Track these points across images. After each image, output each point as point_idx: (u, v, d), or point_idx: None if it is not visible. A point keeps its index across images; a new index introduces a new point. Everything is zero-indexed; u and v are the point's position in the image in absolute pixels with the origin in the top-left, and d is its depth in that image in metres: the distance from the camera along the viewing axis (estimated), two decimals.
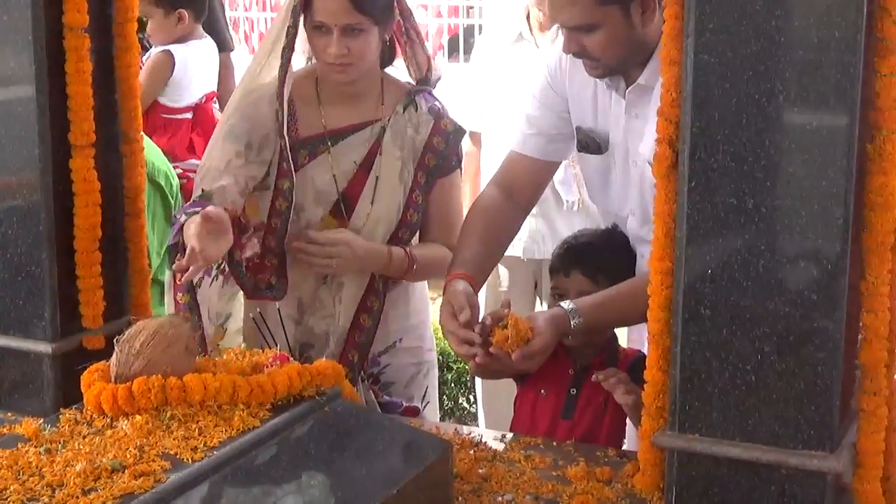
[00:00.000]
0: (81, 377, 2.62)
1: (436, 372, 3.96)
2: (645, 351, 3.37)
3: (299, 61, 3.62)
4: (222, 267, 3.56)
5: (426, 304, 3.87)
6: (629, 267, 3.38)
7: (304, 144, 3.57)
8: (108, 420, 2.50)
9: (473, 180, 5.21)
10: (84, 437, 2.44)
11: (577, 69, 3.33)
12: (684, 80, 2.37)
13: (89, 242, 3.03)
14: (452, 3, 15.02)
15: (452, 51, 13.98)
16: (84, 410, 2.55)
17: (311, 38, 3.48)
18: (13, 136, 2.98)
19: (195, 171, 4.78)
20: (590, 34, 3.09)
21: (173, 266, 3.11)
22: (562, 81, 3.39)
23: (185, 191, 4.60)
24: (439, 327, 3.30)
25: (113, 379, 2.57)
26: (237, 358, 2.77)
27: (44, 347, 3.00)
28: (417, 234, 3.70)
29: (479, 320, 3.13)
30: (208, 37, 5.26)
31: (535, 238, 4.87)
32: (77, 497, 2.19)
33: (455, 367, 6.12)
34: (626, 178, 3.29)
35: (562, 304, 3.17)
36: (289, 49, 3.47)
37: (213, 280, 3.59)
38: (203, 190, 3.43)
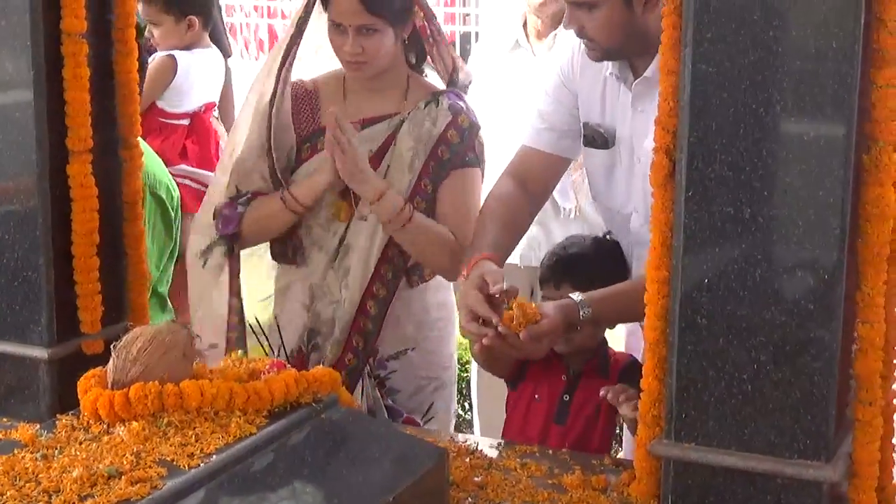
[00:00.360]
0: (78, 383, 2.63)
1: (451, 391, 3.95)
2: (640, 358, 3.40)
3: (308, 56, 3.77)
4: None
5: (449, 322, 3.86)
6: (621, 276, 3.38)
7: (319, 136, 3.69)
8: (105, 426, 2.50)
9: None
10: (80, 444, 2.44)
11: (587, 65, 3.36)
12: (682, 90, 2.38)
13: (87, 248, 3.03)
14: (449, 11, 15.03)
15: None
16: (81, 416, 2.56)
17: (330, 35, 3.61)
18: (10, 141, 2.98)
19: (185, 177, 4.82)
20: (590, 12, 3.12)
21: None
22: (573, 78, 3.43)
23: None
24: (464, 343, 3.33)
25: (110, 385, 2.57)
26: (234, 364, 2.77)
27: (40, 353, 3.00)
28: None
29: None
30: (214, 46, 5.26)
31: (533, 245, 4.87)
32: (73, 503, 2.19)
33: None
34: (631, 174, 3.30)
35: (571, 295, 3.17)
36: (297, 37, 3.65)
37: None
38: (237, 188, 3.69)
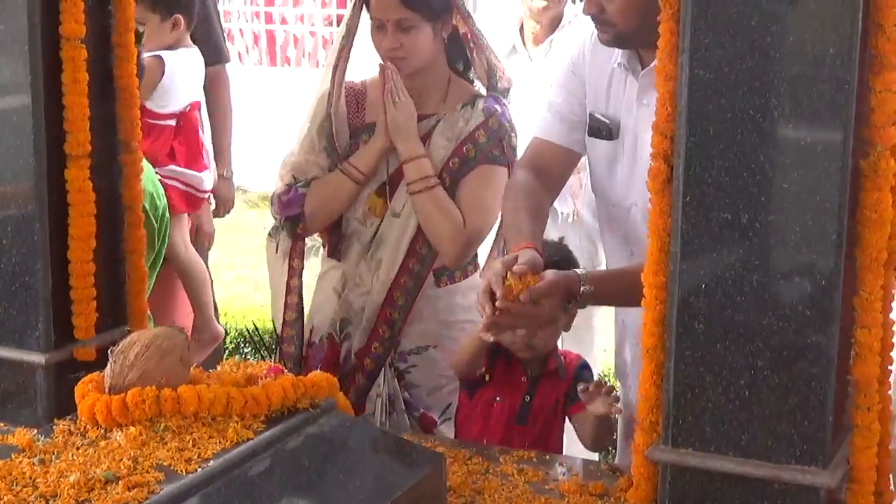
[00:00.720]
0: (75, 388, 2.63)
1: None
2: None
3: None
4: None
5: (475, 327, 3.86)
6: None
7: (367, 129, 3.92)
8: (102, 431, 2.50)
9: None
10: (78, 448, 2.44)
11: (596, 56, 3.37)
12: (679, 95, 2.37)
13: (83, 253, 3.02)
14: None
15: None
16: (78, 421, 2.56)
17: (372, 35, 3.80)
18: (8, 145, 2.98)
19: (174, 178, 4.82)
20: None
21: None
22: (582, 65, 3.43)
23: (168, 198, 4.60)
24: None
25: (107, 390, 2.57)
26: (232, 369, 2.77)
27: (37, 358, 2.99)
28: None
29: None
30: (195, 46, 5.25)
31: None
32: None
33: None
34: (633, 167, 3.28)
35: (575, 270, 3.16)
36: (348, 44, 3.87)
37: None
38: (294, 177, 3.93)
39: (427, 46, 3.76)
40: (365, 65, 4.00)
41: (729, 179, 2.34)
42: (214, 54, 5.91)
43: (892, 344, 2.48)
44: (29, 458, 2.43)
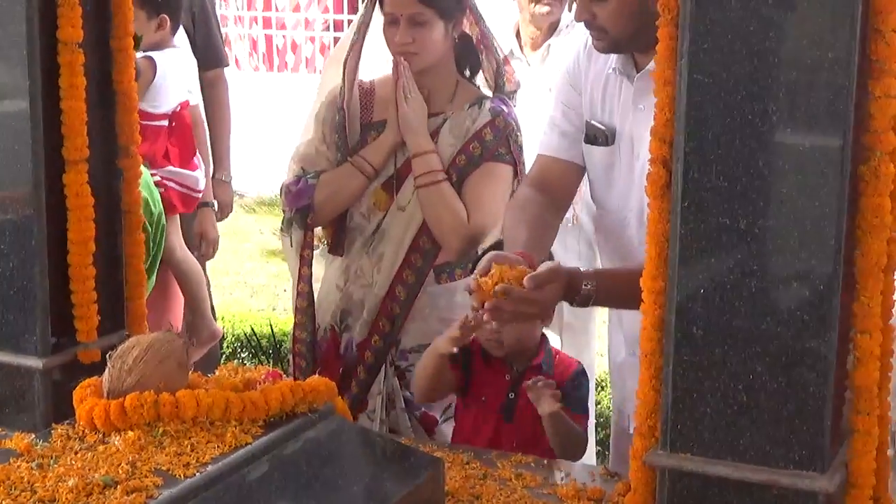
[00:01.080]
0: (74, 392, 2.63)
1: None
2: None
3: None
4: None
5: None
6: None
7: (375, 126, 3.97)
8: (101, 435, 2.50)
9: None
10: (76, 453, 2.44)
11: (592, 64, 3.38)
12: (678, 101, 2.37)
13: (83, 257, 3.02)
14: None
15: None
16: (76, 426, 2.56)
17: (384, 31, 3.85)
18: (6, 150, 2.98)
19: (170, 179, 4.83)
20: (602, 2, 3.11)
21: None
22: (578, 77, 3.43)
23: (163, 198, 4.60)
24: None
25: (105, 394, 2.57)
26: (230, 374, 2.77)
27: (34, 362, 2.99)
28: None
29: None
30: (180, 47, 5.25)
31: None
32: None
33: None
34: (630, 172, 3.29)
35: (578, 267, 3.15)
36: (359, 40, 3.93)
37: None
38: (303, 169, 4.00)
39: (438, 43, 3.81)
40: (372, 65, 4.06)
41: (727, 184, 2.34)
42: (213, 58, 5.92)
43: (892, 350, 2.48)
44: (27, 462, 2.42)
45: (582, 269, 3.10)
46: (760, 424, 2.39)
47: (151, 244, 4.19)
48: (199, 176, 5.15)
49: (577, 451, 3.40)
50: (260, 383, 2.68)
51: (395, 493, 2.52)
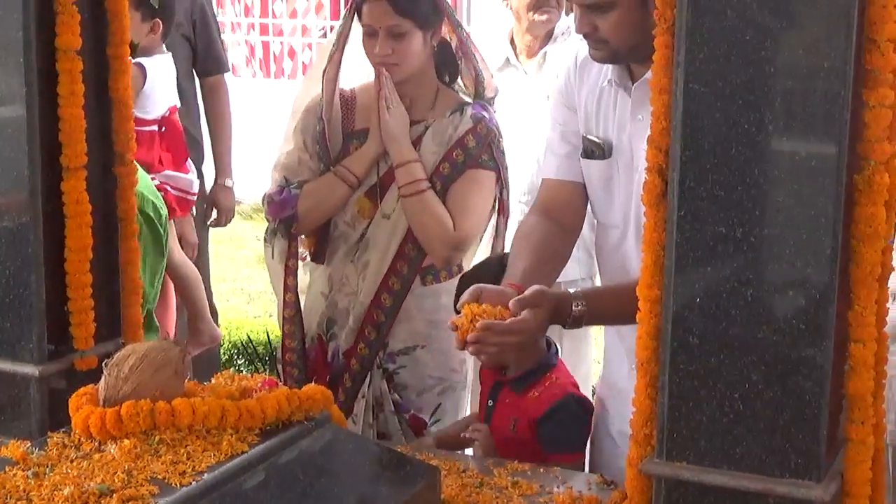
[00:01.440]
0: (70, 400, 2.62)
1: (461, 395, 4.09)
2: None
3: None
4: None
5: None
6: None
7: (357, 135, 3.98)
8: (97, 444, 2.50)
9: None
10: (72, 461, 2.43)
11: (584, 79, 3.37)
12: (674, 109, 2.37)
13: (80, 264, 3.02)
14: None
15: None
16: (72, 434, 2.55)
17: (364, 43, 3.87)
18: (3, 157, 2.98)
19: (167, 183, 4.85)
20: (604, 14, 3.09)
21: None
22: (571, 95, 3.42)
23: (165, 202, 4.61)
24: None
25: (101, 402, 2.57)
26: (226, 382, 2.77)
27: (30, 370, 2.99)
28: None
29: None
30: (169, 53, 5.26)
31: None
32: None
33: None
34: (629, 186, 3.27)
35: (568, 289, 3.15)
36: (338, 51, 3.94)
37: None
38: (286, 178, 4.01)
39: (417, 53, 3.83)
40: (353, 74, 4.08)
41: (723, 193, 2.34)
42: (214, 64, 5.95)
43: (886, 358, 2.48)
44: (23, 470, 2.42)
45: (571, 290, 3.09)
46: (756, 433, 2.39)
47: (164, 246, 4.20)
48: (193, 179, 5.18)
49: None
50: (256, 391, 2.69)
51: (391, 502, 2.52)
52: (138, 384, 2.55)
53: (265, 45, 13.93)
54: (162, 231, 4.18)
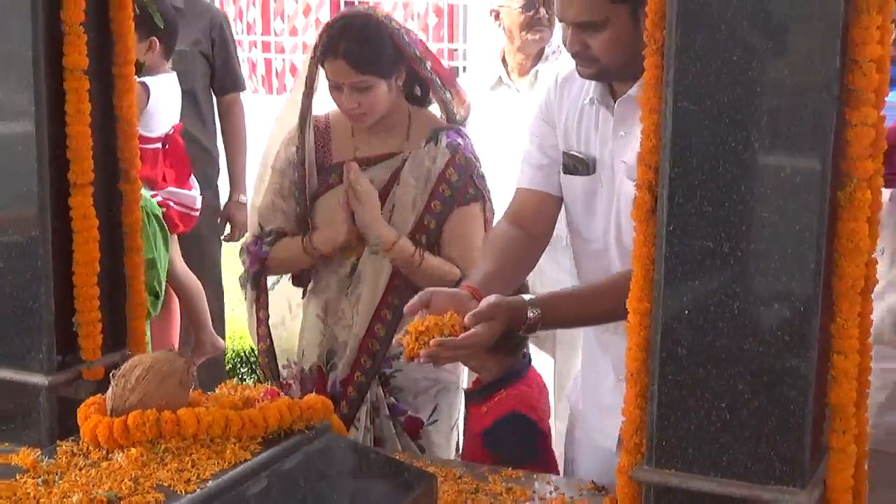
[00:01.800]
0: (78, 410, 2.63)
1: (457, 396, 4.06)
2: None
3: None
4: None
5: None
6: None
7: (335, 168, 3.92)
8: (104, 452, 2.51)
9: None
10: (80, 469, 2.45)
11: (563, 98, 3.36)
12: (664, 128, 2.38)
13: (88, 277, 3.03)
14: (438, 46, 15.12)
15: None
16: (80, 443, 2.57)
17: (330, 92, 3.81)
18: (13, 173, 2.99)
19: (170, 199, 4.85)
20: (596, 33, 3.08)
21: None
22: (551, 112, 3.41)
23: (166, 218, 4.62)
24: None
25: (109, 412, 2.58)
26: (230, 392, 2.78)
27: (39, 380, 3.00)
28: None
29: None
30: (173, 72, 5.27)
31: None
32: None
33: None
34: (612, 201, 3.26)
35: (522, 295, 3.11)
36: (308, 94, 3.87)
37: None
38: (261, 226, 3.99)
39: (384, 100, 3.78)
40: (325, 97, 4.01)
41: (711, 209, 2.35)
42: (231, 82, 5.98)
43: (869, 368, 2.49)
44: (33, 478, 2.43)
45: (525, 297, 3.09)
46: (742, 441, 2.40)
47: (165, 262, 4.22)
48: (196, 195, 5.18)
49: None
50: (258, 401, 2.70)
51: None
52: (144, 394, 2.56)
53: (267, 62, 13.95)
54: (166, 248, 4.21)
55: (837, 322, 2.36)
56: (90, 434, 2.54)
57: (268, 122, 4.15)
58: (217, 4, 8.22)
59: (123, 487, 2.34)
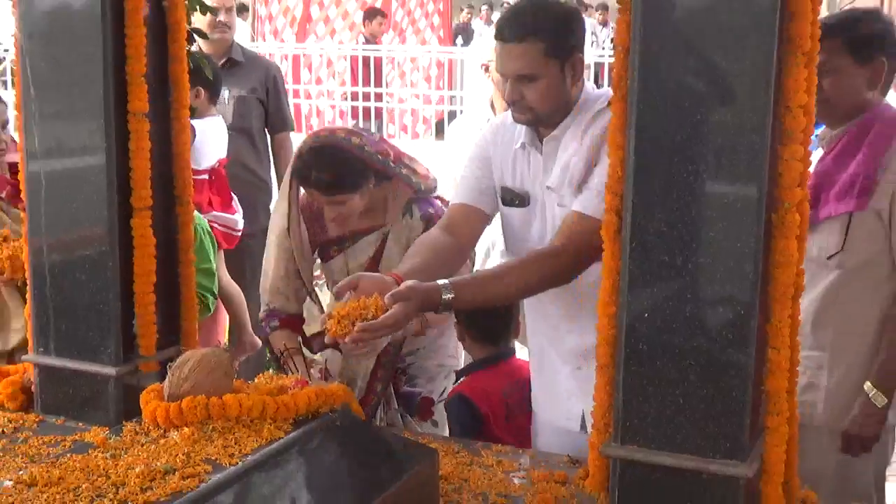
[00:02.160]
0: (140, 396, 2.64)
1: None
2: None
3: None
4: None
5: (448, 321, 3.88)
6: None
7: (333, 242, 3.77)
8: (162, 431, 2.52)
9: None
10: (142, 445, 2.45)
11: (497, 144, 3.32)
12: (627, 162, 2.39)
13: (145, 286, 3.03)
14: (438, 94, 15.19)
15: (439, 131, 14.17)
16: (142, 423, 2.57)
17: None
18: (87, 198, 2.99)
19: (215, 221, 4.86)
20: (531, 84, 3.05)
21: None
22: (487, 149, 3.35)
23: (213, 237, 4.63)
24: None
25: (166, 398, 2.58)
26: (266, 381, 2.79)
27: (109, 370, 3.00)
28: None
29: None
30: (219, 115, 5.27)
31: None
32: (136, 494, 2.20)
33: None
34: (544, 227, 3.22)
35: (437, 281, 2.93)
36: (295, 204, 3.66)
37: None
38: (269, 304, 3.77)
39: (358, 206, 3.57)
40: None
41: (667, 229, 2.36)
42: (281, 123, 5.98)
43: (799, 360, 2.50)
44: (102, 453, 2.44)
45: (440, 282, 2.91)
46: (693, 422, 2.40)
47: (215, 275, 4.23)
48: (238, 218, 5.17)
49: None
50: (290, 389, 2.70)
51: (399, 477, 2.53)
52: (195, 383, 2.56)
53: (296, 107, 13.95)
54: (214, 262, 4.23)
55: (773, 323, 2.36)
56: (150, 416, 2.55)
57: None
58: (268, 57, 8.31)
59: (178, 460, 2.34)
